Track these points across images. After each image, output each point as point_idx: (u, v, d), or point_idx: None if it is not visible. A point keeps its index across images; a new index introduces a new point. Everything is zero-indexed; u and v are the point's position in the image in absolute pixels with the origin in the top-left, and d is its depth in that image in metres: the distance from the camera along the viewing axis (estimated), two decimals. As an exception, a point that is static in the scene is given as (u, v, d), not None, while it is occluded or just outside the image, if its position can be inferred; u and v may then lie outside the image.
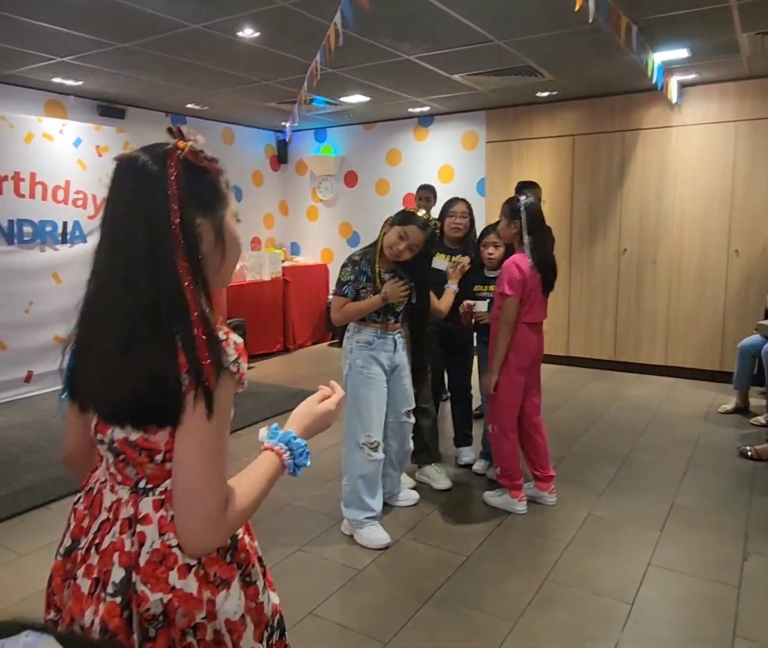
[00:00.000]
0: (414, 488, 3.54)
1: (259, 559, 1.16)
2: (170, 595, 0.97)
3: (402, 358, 3.14)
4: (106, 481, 1.06)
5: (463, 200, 3.82)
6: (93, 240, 1.04)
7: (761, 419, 4.64)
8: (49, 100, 5.87)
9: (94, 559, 1.02)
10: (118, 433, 1.00)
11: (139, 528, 1.00)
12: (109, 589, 0.98)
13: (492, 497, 3.40)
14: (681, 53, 4.73)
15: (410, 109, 6.95)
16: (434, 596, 2.59)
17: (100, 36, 4.25)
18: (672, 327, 6.11)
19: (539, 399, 3.42)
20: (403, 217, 2.98)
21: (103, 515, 1.04)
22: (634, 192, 6.16)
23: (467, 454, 3.95)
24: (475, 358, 3.87)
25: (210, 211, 1.03)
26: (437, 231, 3.08)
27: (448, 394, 4.08)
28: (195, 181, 1.00)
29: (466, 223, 3.76)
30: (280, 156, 8.43)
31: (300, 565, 2.85)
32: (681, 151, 5.90)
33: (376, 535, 3.00)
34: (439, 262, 3.57)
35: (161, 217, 0.96)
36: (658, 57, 4.74)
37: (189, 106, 6.63)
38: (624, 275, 6.30)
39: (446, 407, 4.09)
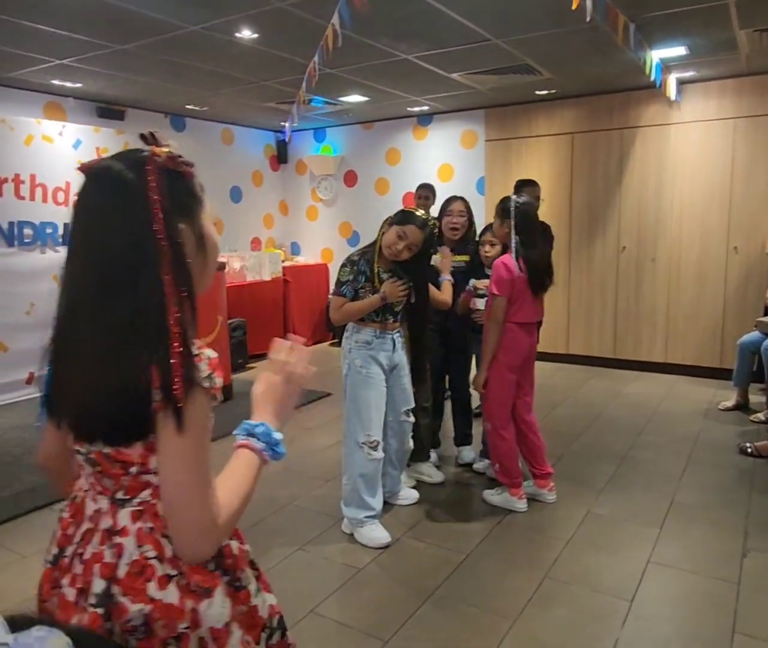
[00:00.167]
0: (414, 487, 3.55)
1: (251, 563, 1.14)
2: (150, 606, 0.96)
3: (401, 357, 3.15)
4: (88, 489, 1.05)
5: (461, 199, 3.81)
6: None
7: (761, 416, 4.65)
8: (48, 102, 5.88)
9: (77, 568, 1.01)
10: (94, 445, 0.99)
11: (117, 539, 0.99)
12: (91, 599, 0.98)
13: (492, 496, 3.41)
14: (679, 51, 4.73)
15: (409, 109, 6.96)
16: (434, 594, 2.60)
17: (99, 38, 4.26)
18: (671, 324, 6.11)
19: (531, 397, 3.44)
20: (402, 217, 2.99)
21: (86, 524, 1.03)
22: (633, 189, 6.16)
23: (467, 453, 3.97)
24: (474, 357, 3.88)
25: (190, 216, 1.01)
26: (436, 230, 3.09)
27: (448, 393, 4.09)
28: (175, 187, 0.98)
29: (464, 222, 3.75)
30: (280, 156, 8.44)
31: (300, 564, 2.86)
32: (680, 149, 5.91)
33: (376, 533, 3.01)
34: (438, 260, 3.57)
35: (142, 227, 0.93)
36: (657, 54, 4.75)
37: (188, 106, 6.64)
38: (623, 273, 6.31)
39: (446, 407, 4.10)
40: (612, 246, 6.33)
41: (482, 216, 5.99)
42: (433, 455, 3.85)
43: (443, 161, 7.31)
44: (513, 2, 3.73)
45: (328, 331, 7.89)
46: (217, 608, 1.01)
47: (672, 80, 5.48)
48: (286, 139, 8.20)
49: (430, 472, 3.70)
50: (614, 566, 2.79)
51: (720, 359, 5.87)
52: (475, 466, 3.86)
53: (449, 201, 3.82)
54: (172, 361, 0.89)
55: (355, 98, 6.30)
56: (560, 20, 3.98)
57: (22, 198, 5.33)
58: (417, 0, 3.63)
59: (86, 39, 4.25)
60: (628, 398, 5.36)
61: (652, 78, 4.79)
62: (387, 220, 3.05)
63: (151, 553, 0.98)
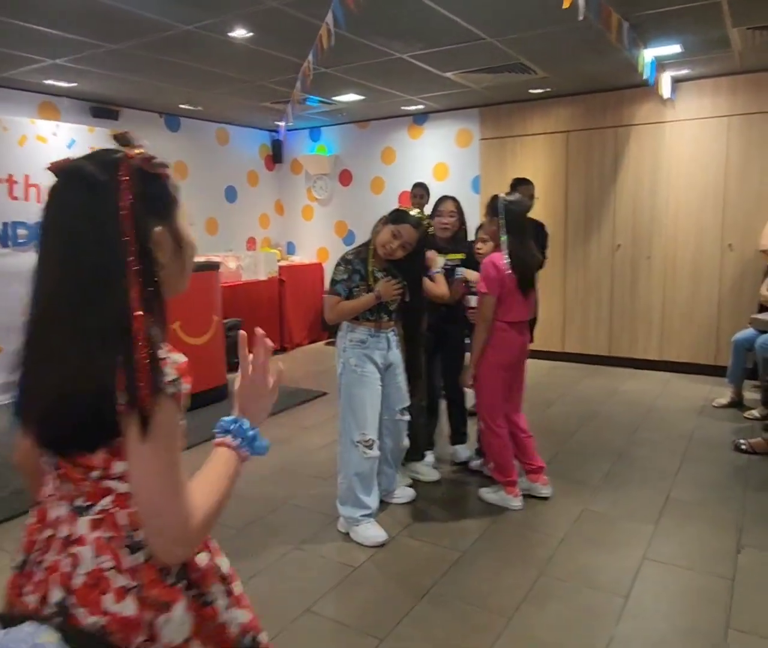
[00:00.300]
0: (410, 485, 3.56)
1: (223, 577, 1.11)
2: (106, 619, 0.93)
3: (396, 356, 3.15)
4: (51, 495, 1.03)
5: (452, 199, 3.81)
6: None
7: (755, 413, 4.67)
8: (42, 102, 5.87)
9: (38, 575, 0.99)
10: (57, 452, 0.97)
11: (74, 549, 0.96)
12: (49, 609, 0.95)
13: (487, 493, 3.42)
14: (673, 49, 4.75)
15: (404, 108, 6.96)
16: (430, 592, 2.60)
17: (92, 38, 4.25)
18: (666, 322, 6.13)
19: (520, 396, 3.47)
20: (396, 216, 2.99)
21: (48, 531, 1.01)
22: (627, 187, 6.18)
23: (462, 452, 3.97)
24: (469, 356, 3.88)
25: (167, 219, 1.00)
26: (431, 229, 3.09)
27: (443, 392, 4.09)
28: (150, 189, 0.96)
29: (454, 222, 3.73)
30: (275, 155, 8.43)
31: (296, 563, 2.86)
32: (674, 147, 5.92)
33: (372, 532, 3.01)
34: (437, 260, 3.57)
35: (113, 230, 0.91)
36: (650, 53, 4.76)
37: (183, 106, 6.63)
38: (618, 271, 6.32)
39: (441, 405, 4.10)
40: (607, 244, 6.34)
41: (477, 215, 5.98)
42: (430, 456, 3.85)
43: (438, 160, 7.32)
44: (507, 1, 3.73)
45: (324, 330, 7.89)
46: (175, 624, 0.98)
47: (666, 78, 5.49)
48: (281, 139, 8.19)
49: (425, 471, 3.70)
50: (610, 563, 2.80)
51: (715, 356, 5.89)
52: (470, 464, 3.87)
53: (440, 201, 3.83)
54: (136, 365, 0.88)
55: (350, 97, 6.29)
56: (553, 19, 3.98)
57: (16, 198, 5.31)
58: (411, -1, 3.64)
59: (80, 39, 4.24)
60: (624, 396, 5.38)
61: (646, 76, 4.80)
62: (381, 219, 3.05)
63: (108, 564, 0.95)
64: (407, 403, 3.24)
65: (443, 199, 3.84)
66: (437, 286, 3.38)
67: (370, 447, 3.01)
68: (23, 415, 1.00)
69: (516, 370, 3.36)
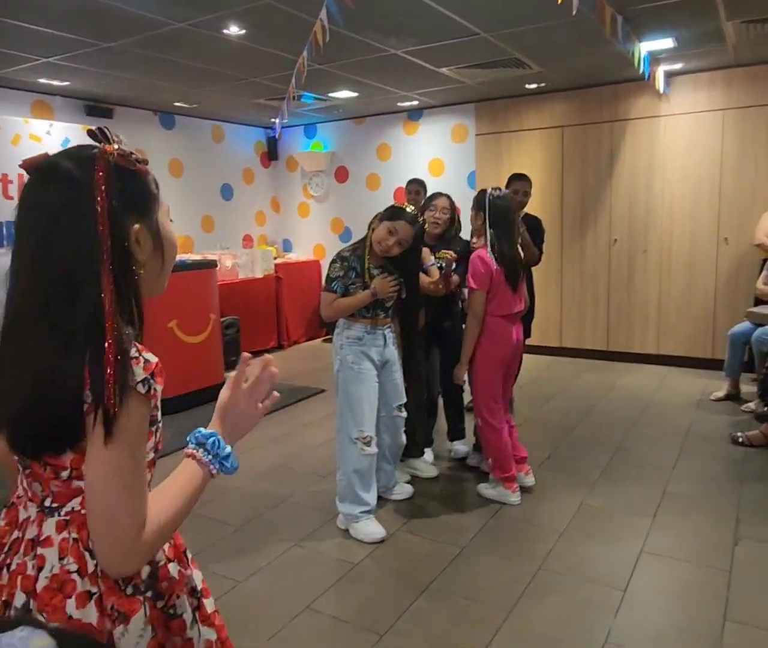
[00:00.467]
0: (408, 482, 3.56)
1: (193, 590, 1.07)
2: (68, 626, 0.90)
3: (392, 353, 3.15)
4: (22, 496, 1.01)
5: (446, 195, 3.77)
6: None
7: (752, 406, 4.68)
8: (35, 100, 5.84)
9: (4, 578, 0.96)
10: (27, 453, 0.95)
11: (39, 550, 0.94)
12: (12, 613, 0.93)
13: (486, 489, 3.43)
14: (667, 43, 4.75)
15: (399, 104, 6.95)
16: (429, 588, 2.61)
17: (85, 36, 4.23)
18: (663, 316, 6.15)
19: (510, 389, 3.54)
20: (392, 213, 2.99)
21: (15, 533, 0.99)
22: (623, 182, 6.18)
23: (461, 448, 3.98)
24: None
25: (146, 216, 0.97)
26: (426, 226, 3.09)
27: (440, 389, 4.09)
28: (128, 186, 0.94)
29: (446, 219, 3.69)
30: (271, 153, 8.41)
31: (296, 560, 2.87)
32: (669, 141, 5.93)
33: (371, 528, 3.02)
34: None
35: (89, 229, 0.89)
36: (645, 47, 4.76)
37: (177, 104, 6.61)
38: (615, 265, 6.33)
39: (439, 401, 4.10)
40: (603, 239, 6.35)
41: (474, 210, 5.98)
42: (429, 454, 3.85)
43: (434, 156, 7.31)
44: (501, -4, 3.73)
45: (321, 327, 7.89)
46: (132, 637, 0.94)
47: (660, 72, 5.50)
48: (277, 136, 8.18)
49: (424, 467, 3.71)
50: (608, 557, 2.81)
51: (711, 350, 5.90)
52: (468, 460, 3.88)
53: (434, 196, 3.78)
54: (104, 365, 0.85)
55: (345, 94, 6.28)
56: (547, 13, 3.98)
57: (11, 198, 5.29)
58: (405, -6, 3.63)
59: (73, 37, 4.22)
60: (621, 390, 5.39)
61: (641, 70, 4.80)
62: (377, 216, 3.05)
63: (73, 567, 0.92)
64: (404, 400, 3.24)
65: (438, 194, 3.78)
66: (431, 278, 3.39)
67: (368, 444, 3.02)
68: None
69: (511, 363, 3.38)
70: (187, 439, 1.02)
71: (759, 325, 4.65)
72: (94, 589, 0.93)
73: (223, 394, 1.06)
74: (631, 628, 2.33)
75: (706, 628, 2.31)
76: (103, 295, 0.88)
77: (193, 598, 1.07)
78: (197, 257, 5.92)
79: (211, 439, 1.01)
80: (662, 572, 2.69)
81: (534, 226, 4.16)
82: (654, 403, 5.01)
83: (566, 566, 2.74)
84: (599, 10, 3.71)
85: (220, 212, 7.77)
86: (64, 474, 0.92)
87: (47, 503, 0.96)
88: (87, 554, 0.93)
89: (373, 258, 3.02)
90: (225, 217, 7.84)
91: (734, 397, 4.94)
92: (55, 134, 5.61)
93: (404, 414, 3.27)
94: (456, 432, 4.02)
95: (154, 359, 0.93)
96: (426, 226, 3.10)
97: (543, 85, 6.10)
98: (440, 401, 4.04)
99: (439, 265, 3.52)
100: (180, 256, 5.70)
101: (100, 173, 0.90)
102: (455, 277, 3.56)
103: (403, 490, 3.45)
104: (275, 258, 7.76)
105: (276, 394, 1.09)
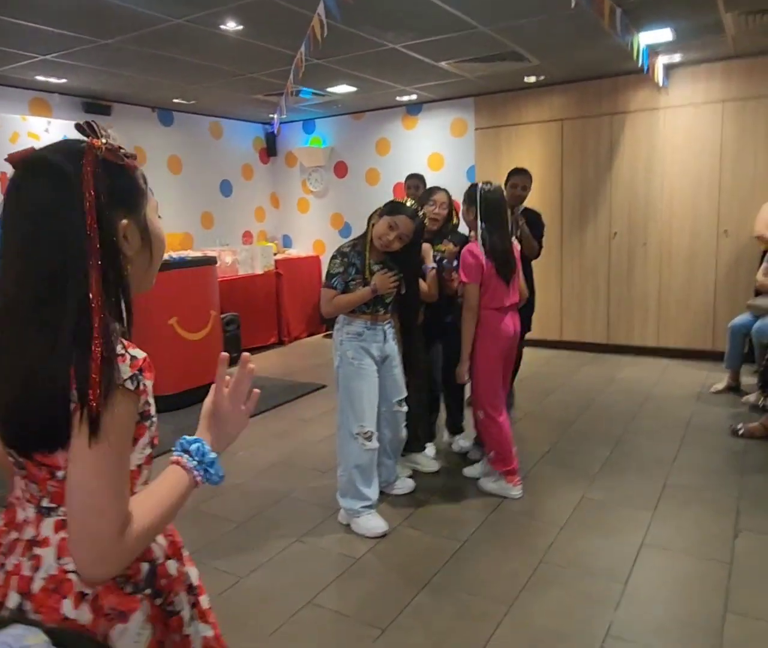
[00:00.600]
0: (409, 476, 3.57)
1: (190, 587, 1.07)
2: (63, 626, 0.89)
3: (392, 348, 3.15)
4: (20, 497, 1.00)
5: (444, 190, 3.75)
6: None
7: (752, 398, 4.68)
8: (33, 98, 5.82)
9: (0, 578, 0.96)
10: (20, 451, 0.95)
11: (36, 551, 0.93)
12: (5, 614, 0.92)
13: (487, 483, 3.43)
14: (666, 34, 4.73)
15: (398, 98, 6.93)
16: (431, 582, 2.62)
17: (83, 33, 4.21)
18: (663, 308, 6.14)
19: (507, 382, 3.57)
20: (392, 207, 2.98)
21: (13, 534, 0.98)
22: (623, 175, 6.17)
23: (461, 441, 3.98)
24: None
25: (134, 211, 0.96)
26: (426, 220, 3.09)
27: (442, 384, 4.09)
28: (116, 181, 0.93)
29: (445, 215, 3.68)
30: (269, 148, 8.40)
31: (298, 555, 2.88)
32: (669, 133, 5.91)
33: (372, 523, 3.03)
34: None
35: (76, 224, 0.88)
36: (643, 39, 4.74)
37: (175, 100, 6.59)
38: (615, 258, 6.33)
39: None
40: (603, 232, 6.34)
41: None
42: (431, 449, 3.86)
43: (433, 150, 7.30)
44: (500, -11, 3.72)
45: (322, 323, 7.89)
46: (131, 636, 0.93)
47: (659, 64, 5.48)
48: (275, 132, 8.16)
49: (425, 462, 3.71)
50: (608, 549, 2.81)
51: (712, 342, 5.90)
52: (469, 455, 3.88)
53: (433, 190, 3.75)
54: (90, 363, 0.84)
55: (344, 89, 6.27)
56: (546, 6, 3.97)
57: (10, 196, 5.29)
58: (403, -12, 3.62)
59: (70, 34, 4.21)
60: (622, 383, 5.39)
61: (640, 63, 4.79)
62: (377, 211, 3.04)
63: (71, 566, 0.91)
64: (404, 395, 3.25)
65: (437, 189, 3.77)
66: (426, 285, 3.35)
67: (369, 439, 3.02)
68: None
69: (509, 355, 3.38)
70: (173, 448, 1.01)
71: (759, 317, 4.65)
72: (87, 591, 0.92)
73: (207, 401, 1.06)
74: (631, 620, 2.34)
75: (707, 620, 2.32)
76: (90, 290, 0.87)
77: (190, 594, 1.07)
78: (197, 254, 5.91)
79: (195, 445, 1.00)
80: (663, 565, 2.70)
81: (534, 220, 4.16)
82: (654, 395, 5.01)
83: (567, 559, 2.75)
84: (598, 2, 3.69)
85: (219, 208, 7.76)
86: (60, 474, 0.91)
87: (44, 503, 0.95)
88: None
89: (373, 253, 3.02)
90: (224, 213, 7.83)
91: (734, 389, 4.94)
92: (53, 131, 5.61)
93: (404, 408, 3.27)
94: (456, 426, 4.03)
95: (141, 355, 0.92)
96: (426, 220, 3.09)
97: (542, 78, 6.08)
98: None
99: (439, 257, 3.52)
100: (180, 253, 5.70)
101: (88, 168, 0.89)
102: (456, 277, 3.54)
103: (404, 485, 3.45)
104: (275, 254, 7.76)
105: (257, 391, 1.09)
